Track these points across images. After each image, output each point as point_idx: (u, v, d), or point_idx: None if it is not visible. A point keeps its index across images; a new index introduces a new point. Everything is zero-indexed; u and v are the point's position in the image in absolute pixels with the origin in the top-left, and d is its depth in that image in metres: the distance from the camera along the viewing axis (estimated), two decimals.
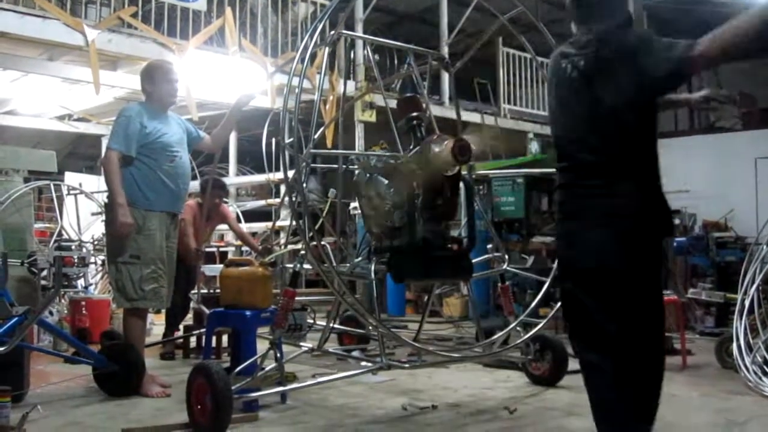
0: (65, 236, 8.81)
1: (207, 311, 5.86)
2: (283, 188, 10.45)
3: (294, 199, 4.36)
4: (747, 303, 5.49)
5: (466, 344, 6.44)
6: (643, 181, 2.81)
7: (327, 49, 5.56)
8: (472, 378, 5.45)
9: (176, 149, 4.97)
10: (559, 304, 5.52)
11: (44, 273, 7.10)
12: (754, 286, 5.57)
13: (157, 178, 4.86)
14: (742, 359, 5.12)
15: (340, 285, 4.29)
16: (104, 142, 11.99)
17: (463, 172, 4.78)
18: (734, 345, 5.25)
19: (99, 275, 9.04)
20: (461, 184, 4.77)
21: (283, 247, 6.56)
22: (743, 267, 5.81)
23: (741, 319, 5.39)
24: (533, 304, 5.42)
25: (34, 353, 5.16)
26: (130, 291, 4.78)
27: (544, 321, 5.12)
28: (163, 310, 6.40)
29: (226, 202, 8.35)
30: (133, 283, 4.77)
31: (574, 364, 5.44)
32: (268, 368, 4.19)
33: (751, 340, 5.28)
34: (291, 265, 4.61)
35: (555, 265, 4.52)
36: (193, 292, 6.78)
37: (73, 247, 7.81)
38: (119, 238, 4.75)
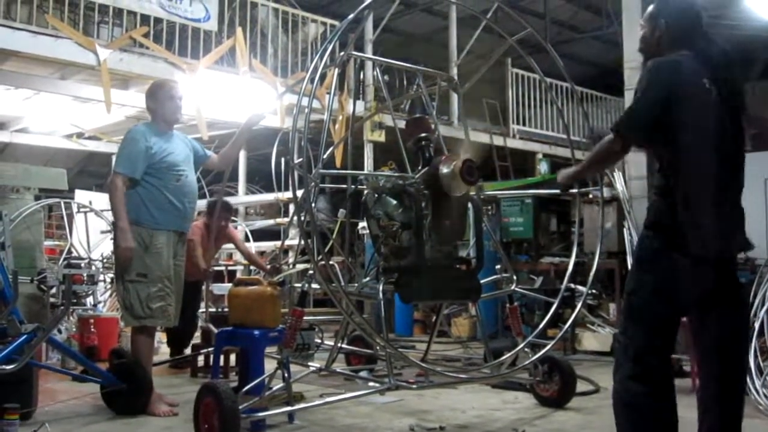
0: (75, 254, 8.85)
1: (215, 330, 5.86)
2: (292, 207, 10.47)
3: (303, 218, 4.37)
4: (757, 325, 5.46)
5: (474, 365, 6.40)
6: None
7: (337, 69, 5.60)
8: (480, 399, 5.42)
9: (182, 168, 5.00)
10: (567, 324, 5.55)
11: (54, 290, 7.12)
12: (764, 309, 5.54)
13: (164, 197, 4.88)
14: (753, 382, 5.08)
15: (348, 305, 4.29)
16: (115, 161, 12.09)
17: (472, 193, 4.79)
18: None
19: (108, 293, 9.06)
20: (470, 205, 4.78)
21: (291, 266, 6.57)
22: (753, 289, 5.78)
23: (751, 341, 5.36)
24: (542, 325, 5.39)
25: (42, 371, 5.16)
26: (138, 309, 4.78)
27: (553, 342, 5.10)
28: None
29: (234, 220, 8.37)
30: (140, 302, 4.77)
31: (582, 385, 5.43)
32: (275, 388, 4.19)
33: (761, 363, 5.25)
34: (299, 285, 4.61)
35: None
36: (201, 311, 6.79)
37: (82, 265, 7.83)
38: (121, 260, 4.78)
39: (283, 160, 10.85)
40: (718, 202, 2.96)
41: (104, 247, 9.31)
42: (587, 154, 3.30)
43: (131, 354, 4.98)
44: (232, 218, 8.26)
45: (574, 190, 5.66)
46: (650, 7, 3.26)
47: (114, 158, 5.19)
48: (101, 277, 8.27)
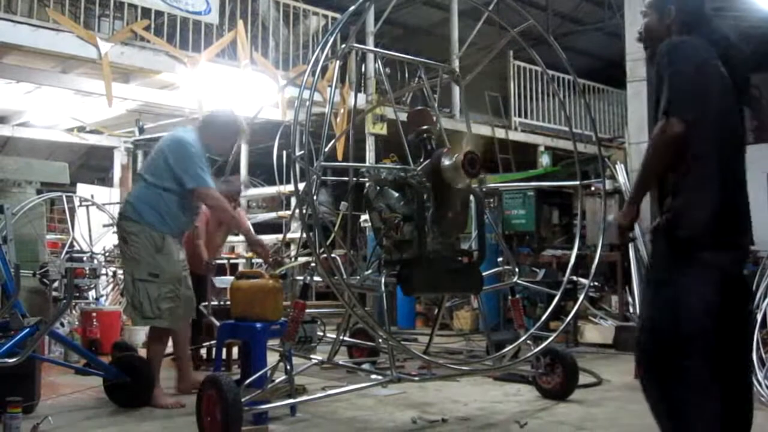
0: (77, 247, 8.85)
1: (217, 323, 5.86)
2: (293, 200, 10.46)
3: (304, 211, 4.37)
4: (759, 317, 5.46)
5: (476, 357, 6.42)
6: None
7: (338, 62, 5.60)
8: (482, 391, 5.43)
9: None
10: (569, 316, 5.55)
11: (56, 284, 7.13)
12: (767, 301, 5.54)
13: (180, 210, 4.92)
14: (755, 374, 5.08)
15: (350, 297, 4.29)
16: (116, 154, 12.10)
17: (474, 185, 4.78)
18: None
19: (110, 286, 9.06)
20: (472, 197, 4.77)
21: (293, 259, 6.55)
22: (755, 281, 5.78)
23: (754, 333, 5.35)
24: (544, 318, 5.39)
25: (45, 364, 5.17)
26: (147, 309, 4.77)
27: (555, 334, 5.11)
28: None
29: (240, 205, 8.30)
30: (150, 301, 4.76)
31: (584, 377, 5.44)
32: (278, 380, 4.19)
33: (763, 355, 5.25)
34: (301, 278, 4.61)
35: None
36: (203, 304, 6.79)
37: (84, 259, 7.84)
38: (269, 254, 5.07)
39: (284, 153, 10.84)
40: (743, 191, 2.94)
41: (106, 240, 9.31)
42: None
43: (145, 353, 4.99)
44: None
45: (576, 182, 5.66)
46: None
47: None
48: (103, 271, 8.28)
